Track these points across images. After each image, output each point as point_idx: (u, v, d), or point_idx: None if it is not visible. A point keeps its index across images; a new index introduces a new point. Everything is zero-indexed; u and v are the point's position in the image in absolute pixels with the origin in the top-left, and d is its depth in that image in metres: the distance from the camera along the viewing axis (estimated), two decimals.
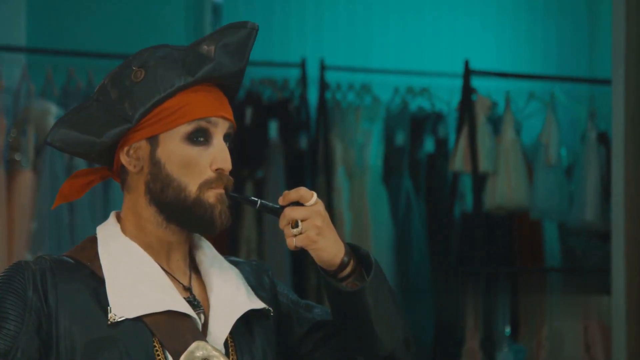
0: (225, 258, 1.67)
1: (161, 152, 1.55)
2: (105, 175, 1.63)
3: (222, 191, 1.55)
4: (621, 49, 3.99)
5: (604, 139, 4.80)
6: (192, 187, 1.54)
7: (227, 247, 4.89)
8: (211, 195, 1.54)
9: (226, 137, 1.57)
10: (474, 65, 4.76)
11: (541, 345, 4.59)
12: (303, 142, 5.07)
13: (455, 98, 4.97)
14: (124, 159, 1.57)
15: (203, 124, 1.55)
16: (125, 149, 1.57)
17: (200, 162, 1.54)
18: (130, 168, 1.57)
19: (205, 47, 1.57)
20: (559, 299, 4.84)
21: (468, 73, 4.65)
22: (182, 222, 1.56)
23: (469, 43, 5.61)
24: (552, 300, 4.86)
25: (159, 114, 1.54)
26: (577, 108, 5.11)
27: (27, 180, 4.33)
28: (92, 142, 1.55)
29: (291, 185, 5.07)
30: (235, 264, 1.67)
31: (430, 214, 5.25)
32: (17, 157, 4.34)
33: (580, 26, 5.81)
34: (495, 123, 4.81)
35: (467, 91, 4.66)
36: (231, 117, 1.58)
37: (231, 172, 1.62)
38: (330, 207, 5.06)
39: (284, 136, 5.01)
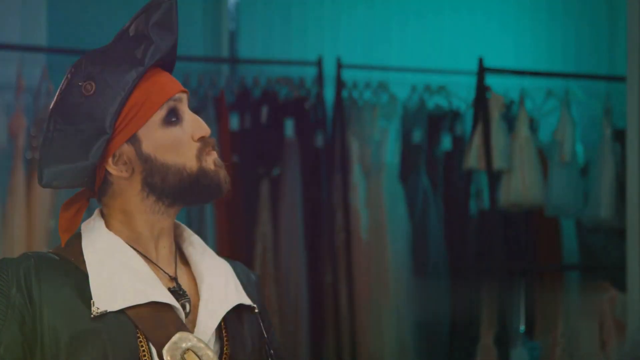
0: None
1: (147, 147, 1.57)
2: (90, 196, 1.64)
3: (215, 155, 1.59)
4: (636, 46, 3.98)
5: (620, 136, 4.79)
6: (191, 163, 1.57)
7: (243, 244, 4.92)
8: (209, 162, 1.58)
9: (189, 107, 1.62)
10: (494, 63, 4.76)
11: (556, 342, 4.59)
12: (319, 140, 5.09)
13: (473, 96, 4.98)
14: (112, 169, 1.58)
15: (172, 104, 1.58)
16: (109, 160, 1.58)
17: (183, 139, 1.58)
18: (123, 175, 1.58)
19: (135, 32, 1.59)
20: (574, 296, 4.84)
21: (482, 70, 4.66)
22: (191, 198, 1.59)
23: (487, 41, 5.61)
24: (568, 298, 4.85)
25: (128, 113, 1.56)
26: (594, 105, 5.10)
27: None
28: (83, 167, 1.56)
29: (307, 183, 5.11)
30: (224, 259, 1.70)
31: (447, 212, 5.25)
32: (36, 156, 4.39)
33: (600, 24, 5.80)
34: (511, 120, 4.81)
35: (482, 89, 4.67)
36: (184, 88, 1.62)
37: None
38: (346, 205, 5.08)
39: (300, 134, 5.03)
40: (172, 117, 1.58)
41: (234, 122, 4.92)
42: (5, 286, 1.53)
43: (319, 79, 5.11)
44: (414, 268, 5.15)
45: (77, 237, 1.60)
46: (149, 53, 1.57)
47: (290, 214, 4.97)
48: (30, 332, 1.52)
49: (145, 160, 1.57)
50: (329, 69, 5.18)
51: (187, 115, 1.59)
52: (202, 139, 1.58)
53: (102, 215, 1.62)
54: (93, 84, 1.56)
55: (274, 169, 4.99)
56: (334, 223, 5.08)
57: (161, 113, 1.57)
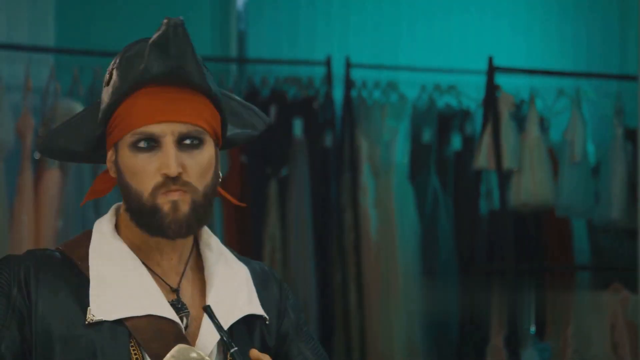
0: (237, 257, 1.64)
1: (119, 160, 1.54)
2: None
3: (175, 198, 1.50)
4: None
5: (631, 136, 4.75)
6: (147, 194, 1.51)
7: (251, 245, 4.90)
8: (165, 202, 1.51)
9: (184, 137, 1.51)
10: (504, 62, 4.74)
11: (567, 343, 4.56)
12: (328, 140, 5.07)
13: (482, 95, 4.95)
14: (107, 163, 1.58)
15: (145, 133, 1.51)
16: (108, 153, 1.57)
17: (147, 168, 1.51)
18: (111, 173, 1.57)
19: (146, 44, 1.52)
20: (585, 297, 4.81)
21: (492, 70, 4.63)
22: (142, 228, 1.54)
23: (497, 40, 5.58)
24: (579, 298, 4.82)
25: (114, 121, 1.53)
26: (605, 105, 5.07)
27: (54, 179, 4.38)
28: (73, 152, 1.57)
29: (316, 184, 5.09)
30: (245, 262, 1.65)
31: (457, 212, 5.23)
32: (43, 156, 4.38)
33: (611, 22, 5.77)
34: (521, 120, 4.79)
35: (491, 88, 4.64)
36: (183, 117, 1.51)
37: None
38: (355, 205, 5.06)
39: (308, 134, 5.02)
40: (145, 144, 1.51)
41: None
42: (6, 286, 1.52)
43: (328, 78, 5.09)
44: (424, 268, 5.12)
45: (87, 238, 1.58)
46: (138, 71, 1.51)
47: (299, 214, 4.96)
48: (29, 333, 1.51)
49: (118, 172, 1.55)
50: (338, 69, 5.15)
51: (164, 146, 1.51)
52: (164, 176, 1.51)
53: (117, 213, 1.60)
54: (109, 76, 1.54)
55: (283, 169, 4.98)
56: (343, 223, 5.06)
57: (131, 138, 1.51)
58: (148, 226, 1.52)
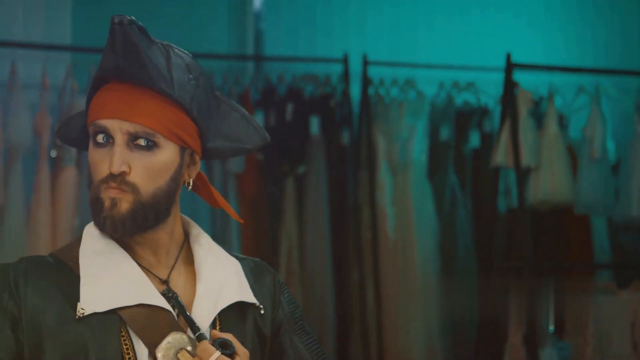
0: (230, 253, 1.69)
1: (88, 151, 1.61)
2: None
3: (113, 195, 1.54)
4: None
5: None
6: (94, 186, 1.56)
7: (268, 242, 4.89)
8: (106, 198, 1.54)
9: (135, 137, 1.55)
10: (523, 59, 4.70)
11: (587, 342, 4.52)
12: (345, 138, 5.05)
13: (501, 92, 4.92)
14: None
15: (98, 126, 1.55)
16: None
17: (100, 163, 1.55)
18: None
19: None
20: (605, 295, 4.77)
21: (510, 66, 4.60)
22: (93, 221, 1.59)
23: (515, 37, 5.55)
24: (599, 297, 4.78)
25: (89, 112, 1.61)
26: (626, 101, 5.03)
27: (71, 177, 4.39)
28: (72, 139, 1.66)
29: (333, 181, 5.07)
30: (238, 259, 1.70)
31: (476, 210, 5.20)
32: (60, 154, 4.40)
33: (631, 18, 5.72)
34: (540, 117, 4.75)
35: (509, 85, 4.61)
36: (133, 117, 1.54)
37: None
38: (373, 203, 5.04)
39: (325, 132, 5.00)
40: (102, 138, 1.56)
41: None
42: None
43: (345, 76, 5.08)
44: (442, 266, 5.10)
45: (78, 241, 1.62)
46: (99, 67, 1.57)
47: (316, 212, 4.94)
48: (21, 333, 1.55)
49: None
50: (355, 66, 5.14)
51: (116, 144, 1.54)
52: (111, 172, 1.55)
53: None
54: None
55: (300, 167, 4.97)
56: (360, 221, 5.04)
57: (91, 129, 1.57)
58: (94, 219, 1.56)
